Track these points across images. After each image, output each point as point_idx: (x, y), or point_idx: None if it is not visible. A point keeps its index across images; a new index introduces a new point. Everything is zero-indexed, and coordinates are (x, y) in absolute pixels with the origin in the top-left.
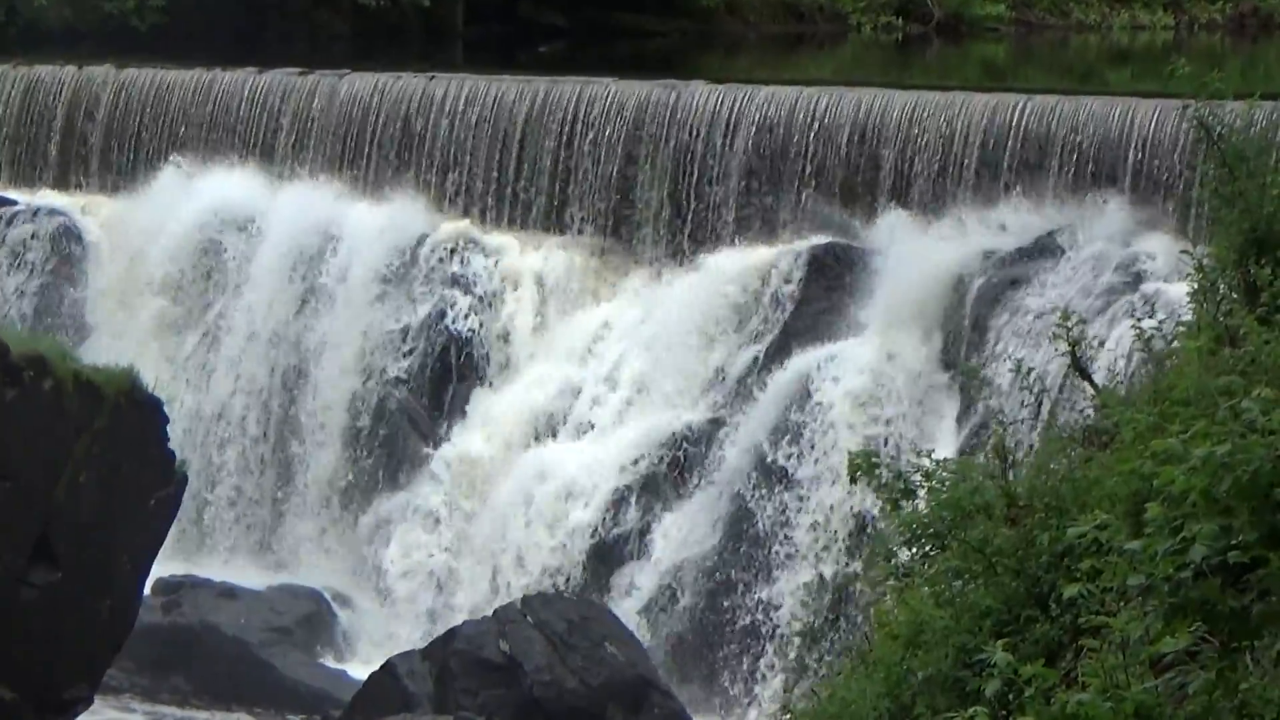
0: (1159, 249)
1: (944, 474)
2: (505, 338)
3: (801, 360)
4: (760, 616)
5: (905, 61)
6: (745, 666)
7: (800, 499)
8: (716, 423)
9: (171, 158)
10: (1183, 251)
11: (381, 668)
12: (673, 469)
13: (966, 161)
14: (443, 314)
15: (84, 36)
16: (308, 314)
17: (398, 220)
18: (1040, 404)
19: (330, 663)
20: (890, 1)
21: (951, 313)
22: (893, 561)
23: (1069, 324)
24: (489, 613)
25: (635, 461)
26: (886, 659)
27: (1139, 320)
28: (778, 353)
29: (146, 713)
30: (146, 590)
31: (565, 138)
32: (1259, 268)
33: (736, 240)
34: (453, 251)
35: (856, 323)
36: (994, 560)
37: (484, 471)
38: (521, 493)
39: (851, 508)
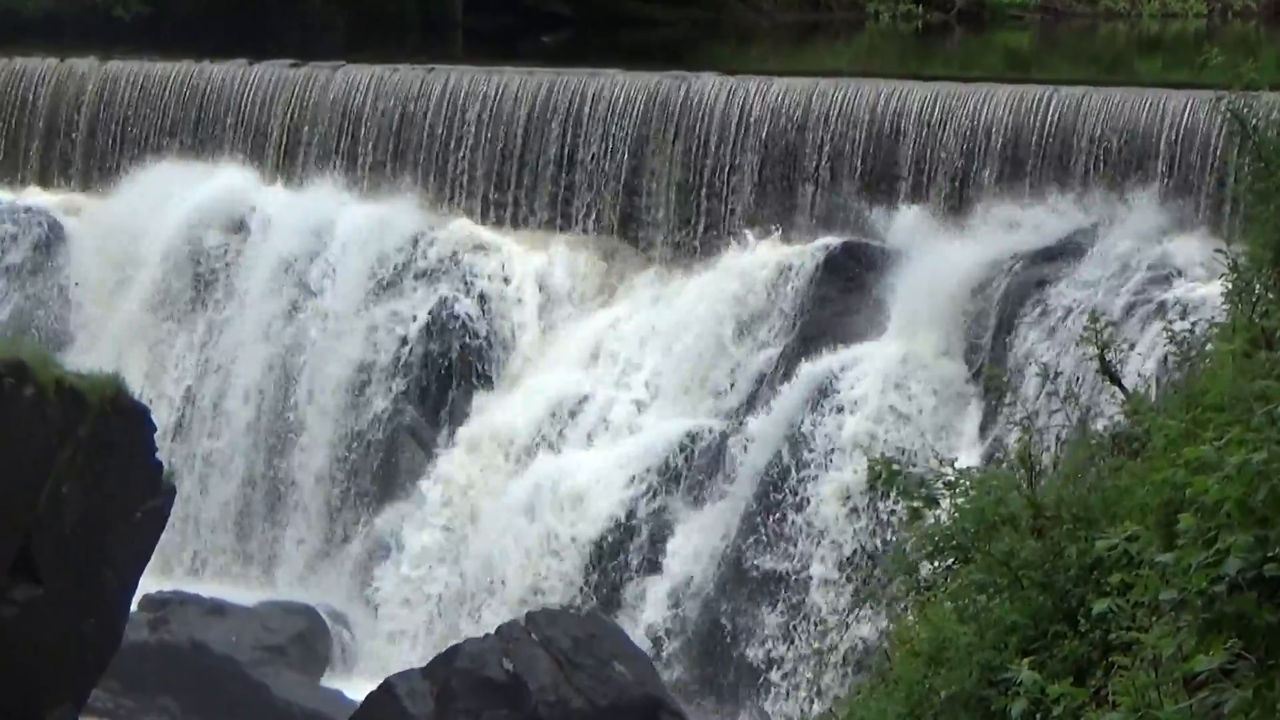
0: (1192, 247)
1: (967, 483)
2: (508, 342)
3: (819, 364)
4: (777, 632)
5: (925, 51)
6: (760, 685)
7: (818, 508)
8: (730, 429)
9: (159, 154)
10: (1216, 250)
11: (380, 688)
12: (685, 478)
13: (990, 156)
14: (443, 317)
15: (65, 26)
16: (301, 318)
17: (395, 219)
18: (1068, 410)
19: (326, 683)
20: None
21: (975, 314)
22: (914, 575)
23: (1098, 326)
24: (492, 630)
25: (646, 470)
26: (907, 677)
27: (1171, 322)
28: (794, 356)
29: None
30: (133, 607)
31: (570, 132)
32: None
33: (750, 239)
34: (453, 252)
35: (876, 325)
36: (1020, 573)
37: (486, 482)
38: (526, 504)
39: (871, 517)
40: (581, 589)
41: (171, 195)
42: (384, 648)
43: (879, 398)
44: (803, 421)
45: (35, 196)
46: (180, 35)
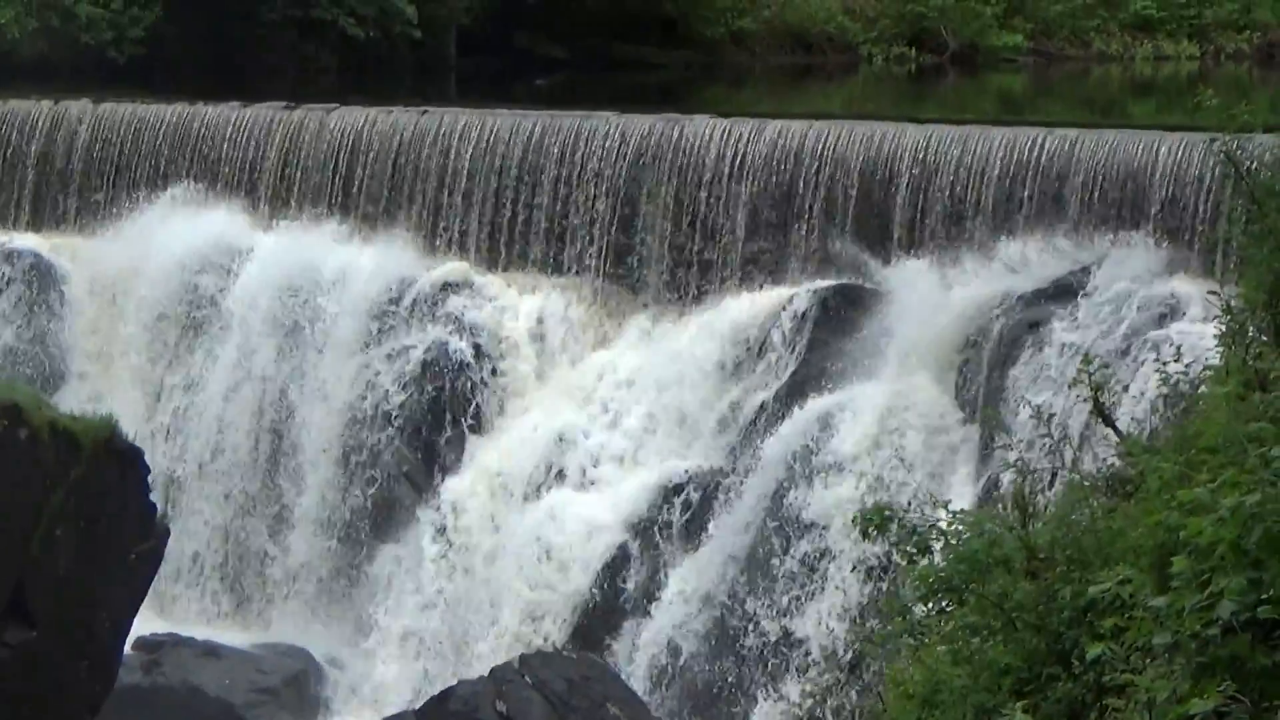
0: (1185, 289)
1: (960, 526)
2: (501, 384)
3: (812, 407)
4: (771, 675)
5: (919, 94)
6: None
7: (811, 551)
8: (724, 472)
9: (152, 196)
10: (1210, 292)
11: None
12: (678, 520)
13: (983, 198)
14: (436, 360)
15: (60, 68)
16: (294, 359)
17: (389, 261)
18: (1061, 452)
19: None
20: (903, 31)
21: (968, 357)
22: (908, 618)
23: (1091, 368)
24: (485, 672)
25: (639, 513)
26: (901, 719)
27: (1164, 364)
28: (787, 399)
29: None
30: (126, 649)
31: (564, 174)
32: None
33: (743, 281)
34: (446, 294)
35: (869, 367)
36: (1013, 616)
37: (480, 524)
38: (519, 546)
39: (864, 561)
40: (575, 631)
41: (165, 237)
42: (377, 690)
43: (872, 440)
44: (796, 464)
45: (28, 238)
46: (174, 77)
